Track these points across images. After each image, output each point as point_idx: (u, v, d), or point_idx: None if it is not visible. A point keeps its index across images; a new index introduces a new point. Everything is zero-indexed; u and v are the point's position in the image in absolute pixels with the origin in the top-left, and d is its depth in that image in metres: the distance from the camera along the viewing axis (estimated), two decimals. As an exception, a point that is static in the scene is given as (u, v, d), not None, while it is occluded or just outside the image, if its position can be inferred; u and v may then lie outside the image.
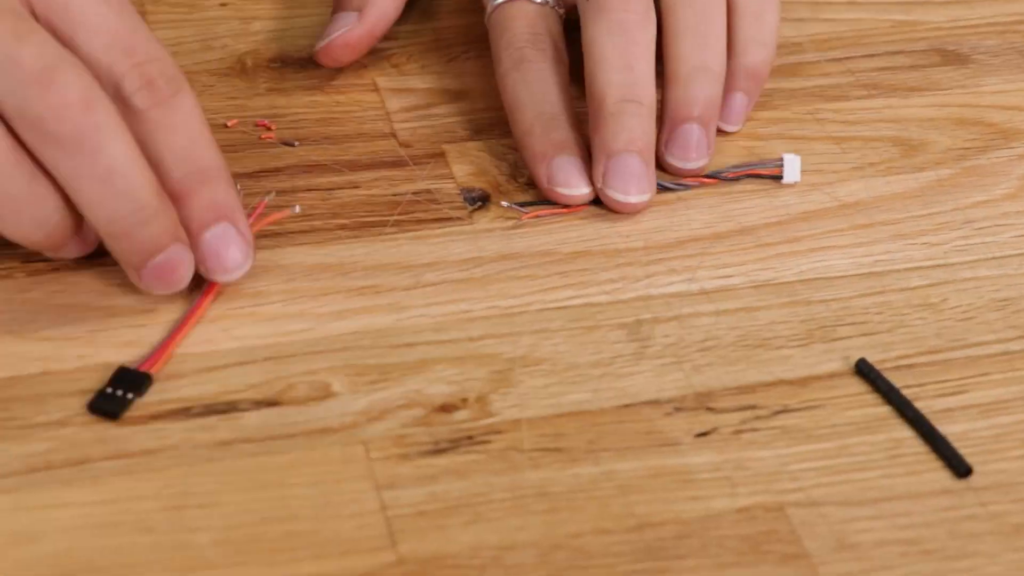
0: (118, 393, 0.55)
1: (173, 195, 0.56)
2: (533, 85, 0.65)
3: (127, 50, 0.56)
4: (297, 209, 0.60)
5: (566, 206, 0.63)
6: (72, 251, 0.58)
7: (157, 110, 0.56)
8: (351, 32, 0.68)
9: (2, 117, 0.54)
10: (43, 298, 0.58)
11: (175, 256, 0.56)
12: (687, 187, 0.64)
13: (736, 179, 0.64)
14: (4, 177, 0.54)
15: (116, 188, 0.55)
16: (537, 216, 0.63)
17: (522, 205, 0.63)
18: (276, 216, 0.60)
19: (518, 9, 0.67)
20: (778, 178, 0.65)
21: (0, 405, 0.54)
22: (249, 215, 0.59)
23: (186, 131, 0.56)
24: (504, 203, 0.63)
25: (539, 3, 0.67)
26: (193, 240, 0.57)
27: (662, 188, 0.64)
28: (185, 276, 0.57)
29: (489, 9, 0.67)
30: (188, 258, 0.57)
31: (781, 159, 0.64)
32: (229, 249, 0.57)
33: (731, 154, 0.66)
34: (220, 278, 0.57)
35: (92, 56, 0.56)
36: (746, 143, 0.67)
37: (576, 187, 0.63)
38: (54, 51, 0.54)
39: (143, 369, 0.55)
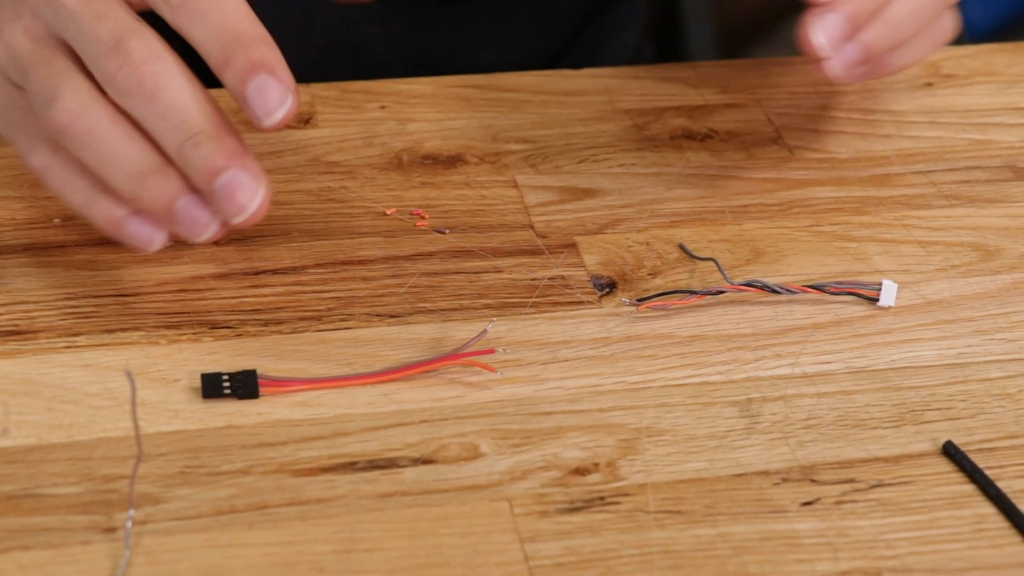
0: (224, 381, 0.57)
1: (218, 67, 0.56)
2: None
3: None
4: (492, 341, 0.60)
5: (684, 292, 0.62)
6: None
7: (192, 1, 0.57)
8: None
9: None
10: (226, 360, 0.59)
11: (235, 178, 0.55)
12: (792, 293, 0.63)
13: (837, 294, 0.63)
14: (105, 132, 0.56)
15: (174, 120, 0.55)
16: (649, 307, 0.62)
17: (639, 300, 0.62)
18: (477, 360, 0.59)
19: None
20: (875, 300, 0.63)
21: (191, 454, 0.55)
22: (460, 354, 0.59)
23: (218, 10, 0.57)
24: (623, 299, 0.63)
25: None
26: (241, 97, 0.56)
27: (769, 290, 0.63)
28: (246, 201, 0.55)
29: None
30: (251, 183, 0.55)
31: (880, 283, 0.63)
32: (270, 93, 0.56)
33: (829, 253, 0.66)
34: (266, 121, 0.56)
35: None
36: (841, 244, 0.67)
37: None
38: (123, 24, 0.56)
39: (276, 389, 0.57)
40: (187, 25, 0.57)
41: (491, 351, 0.59)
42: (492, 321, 0.61)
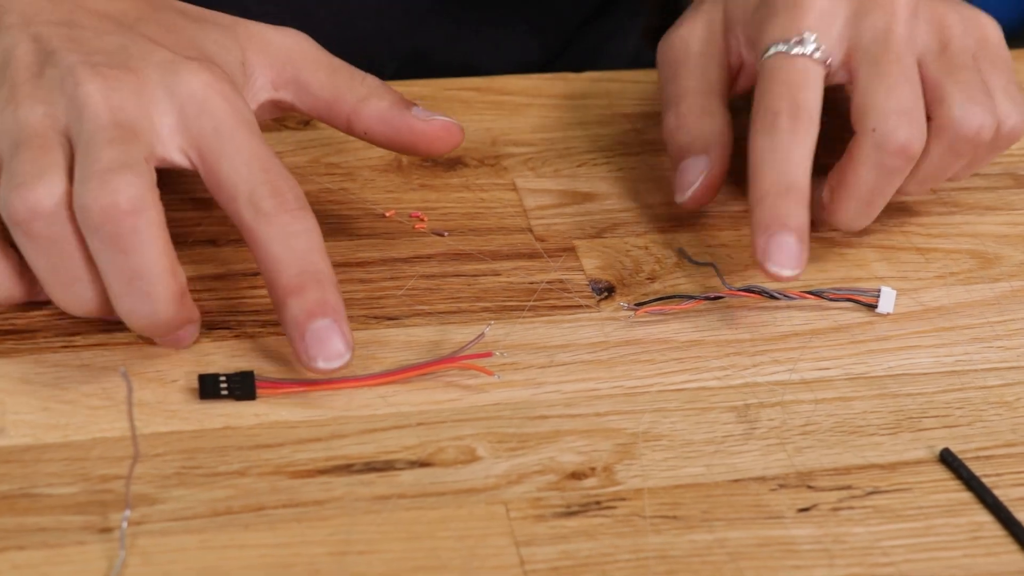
0: (222, 382, 0.56)
1: (287, 290, 0.55)
2: (778, 152, 0.62)
3: (264, 168, 0.56)
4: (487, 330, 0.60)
5: (691, 298, 0.62)
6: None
7: (284, 216, 0.56)
8: (712, 175, 0.65)
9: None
10: (224, 362, 0.59)
11: (184, 337, 0.58)
12: (791, 299, 0.63)
13: (835, 300, 0.63)
14: (59, 257, 0.54)
15: (137, 290, 0.54)
16: (647, 312, 0.62)
17: (638, 305, 0.62)
18: (475, 364, 0.59)
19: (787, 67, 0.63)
20: (873, 306, 0.63)
21: (187, 455, 0.55)
22: (458, 357, 0.58)
23: (307, 239, 0.56)
24: (622, 304, 0.62)
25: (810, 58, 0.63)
26: (300, 329, 0.55)
27: (767, 295, 0.63)
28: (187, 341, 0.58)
29: (760, 61, 0.64)
30: (188, 335, 0.58)
31: (879, 290, 0.63)
32: (333, 340, 0.56)
33: (827, 259, 0.66)
34: (321, 365, 0.56)
35: (234, 167, 0.56)
36: (840, 250, 0.67)
37: (785, 268, 0.60)
38: (130, 159, 0.54)
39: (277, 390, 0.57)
40: (269, 236, 0.55)
41: (488, 354, 0.59)
42: (490, 324, 0.61)
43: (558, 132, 0.73)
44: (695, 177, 0.65)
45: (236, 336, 0.60)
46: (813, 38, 0.63)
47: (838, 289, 0.63)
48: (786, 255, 0.60)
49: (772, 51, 0.63)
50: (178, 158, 0.57)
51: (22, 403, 0.56)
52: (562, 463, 0.56)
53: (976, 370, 0.61)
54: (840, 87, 0.66)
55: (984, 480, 0.56)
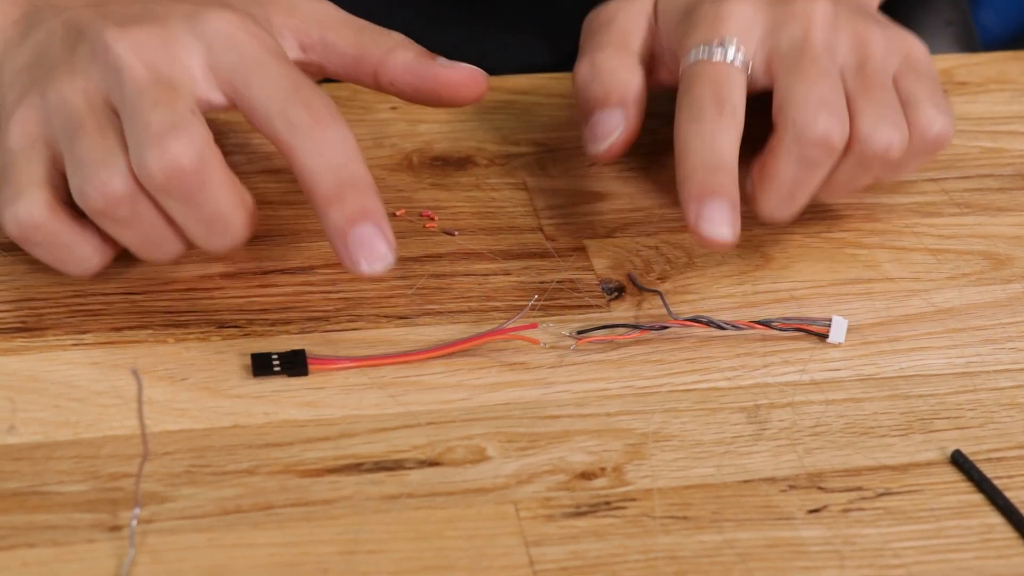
0: (274, 359, 0.58)
1: (327, 199, 0.56)
2: (704, 136, 0.62)
3: (295, 86, 0.57)
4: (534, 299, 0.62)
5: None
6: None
7: (317, 128, 0.56)
8: (628, 130, 0.65)
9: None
10: (235, 359, 0.59)
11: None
12: (739, 328, 0.61)
13: (784, 330, 0.61)
14: (143, 228, 0.57)
15: (217, 230, 0.57)
16: (589, 341, 0.60)
17: (580, 333, 0.60)
18: (522, 334, 0.60)
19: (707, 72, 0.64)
20: (824, 336, 0.61)
21: (196, 453, 0.55)
22: (505, 329, 0.59)
23: (343, 149, 0.56)
24: (565, 332, 0.60)
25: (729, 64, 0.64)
26: (342, 236, 0.56)
27: (714, 325, 0.61)
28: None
29: (682, 67, 0.64)
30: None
31: (830, 319, 0.61)
32: (375, 244, 0.56)
33: (839, 260, 0.66)
34: (365, 269, 0.56)
35: (264, 91, 0.57)
36: (851, 251, 0.66)
37: (721, 228, 0.60)
38: (178, 116, 0.55)
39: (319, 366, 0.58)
40: (304, 149, 0.56)
41: (534, 326, 0.59)
42: (535, 297, 0.61)
43: (569, 131, 0.72)
44: (612, 129, 0.65)
45: (246, 335, 0.60)
46: (734, 41, 0.63)
47: (788, 319, 0.62)
48: (720, 217, 0.59)
49: (694, 56, 0.64)
50: (215, 97, 0.58)
51: (32, 401, 0.56)
52: (572, 463, 0.56)
53: (988, 371, 0.61)
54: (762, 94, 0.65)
55: (996, 482, 0.56)
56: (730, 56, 0.63)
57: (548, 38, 0.88)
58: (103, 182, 0.55)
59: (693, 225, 0.60)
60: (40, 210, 0.56)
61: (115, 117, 0.57)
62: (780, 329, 0.61)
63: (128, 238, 0.58)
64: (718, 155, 0.61)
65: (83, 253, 0.58)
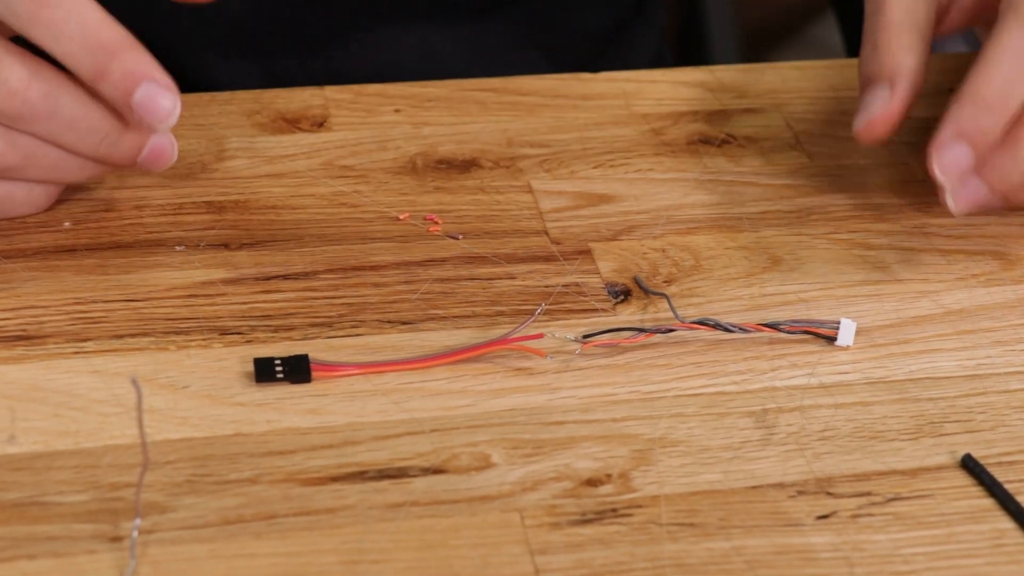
0: (277, 365, 0.57)
1: (91, 78, 0.57)
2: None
3: None
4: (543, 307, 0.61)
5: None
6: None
7: (45, 11, 0.56)
8: (891, 107, 0.63)
9: None
10: (236, 366, 0.58)
11: (156, 146, 0.60)
12: (746, 331, 0.60)
13: (792, 333, 0.60)
14: (32, 151, 0.58)
15: (82, 130, 0.58)
16: (594, 345, 0.60)
17: (585, 337, 0.60)
18: (527, 345, 0.59)
19: None
20: (832, 339, 0.60)
21: (198, 462, 0.54)
22: (510, 338, 0.59)
23: (78, 20, 0.56)
24: (568, 336, 0.60)
25: None
26: (126, 105, 0.57)
27: (723, 328, 0.60)
28: (171, 152, 0.60)
29: None
30: (166, 142, 0.60)
31: (839, 322, 0.61)
32: (157, 101, 0.57)
33: (847, 261, 0.65)
34: (159, 127, 0.58)
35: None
36: (860, 252, 0.66)
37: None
38: None
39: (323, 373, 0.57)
40: (45, 38, 0.56)
41: (540, 335, 0.59)
42: (542, 305, 0.60)
43: (574, 133, 0.72)
44: (873, 106, 0.63)
45: (248, 342, 0.59)
46: None
47: (796, 321, 0.61)
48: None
49: None
50: None
51: (32, 410, 0.56)
52: (578, 470, 0.55)
53: (998, 374, 0.60)
54: None
55: (1007, 486, 0.55)
56: None
57: (556, 54, 0.88)
58: None
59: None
60: None
61: None
62: (788, 332, 0.61)
63: (34, 174, 0.59)
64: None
65: (22, 193, 0.61)
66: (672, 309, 0.61)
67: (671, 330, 0.60)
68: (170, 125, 0.58)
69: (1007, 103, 0.58)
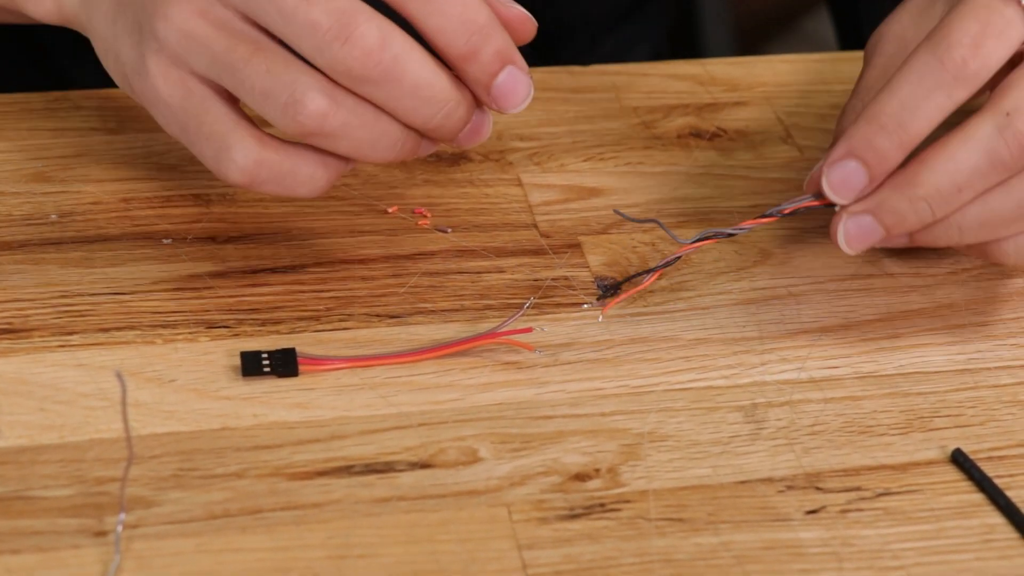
0: (264, 359, 0.57)
1: (460, 58, 0.57)
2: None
3: None
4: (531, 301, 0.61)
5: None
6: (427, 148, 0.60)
7: None
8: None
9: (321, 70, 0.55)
10: (223, 360, 0.58)
11: (477, 122, 0.59)
12: (744, 229, 0.61)
13: (793, 213, 0.59)
14: (358, 123, 0.56)
15: (424, 97, 0.56)
16: (615, 303, 0.61)
17: (602, 300, 0.61)
18: (515, 339, 0.59)
19: None
20: (832, 206, 0.58)
21: (184, 457, 0.54)
22: (498, 332, 0.59)
23: (460, 1, 0.56)
24: (584, 304, 0.61)
25: None
26: (486, 89, 0.57)
27: (725, 235, 0.60)
28: (488, 128, 0.60)
29: None
30: (486, 120, 0.59)
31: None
32: (517, 85, 0.58)
33: (837, 254, 0.64)
34: (515, 109, 0.58)
35: None
36: (850, 245, 0.66)
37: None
38: (340, 4, 0.55)
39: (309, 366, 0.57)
40: (422, 12, 0.56)
41: (529, 330, 0.59)
42: (531, 299, 0.60)
43: (564, 126, 0.72)
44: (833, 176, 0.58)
45: (235, 335, 0.59)
46: None
47: (792, 201, 0.59)
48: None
49: None
50: None
51: (18, 404, 0.55)
52: (566, 464, 0.55)
53: (989, 368, 0.60)
54: None
55: (997, 481, 0.55)
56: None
57: (544, 38, 0.87)
58: (301, 104, 0.55)
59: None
60: (255, 149, 0.57)
61: (252, 27, 0.56)
62: (787, 214, 0.59)
63: (344, 146, 0.57)
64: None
65: (309, 171, 0.58)
66: (666, 230, 0.61)
67: (677, 257, 0.61)
68: (522, 109, 0.58)
69: (903, 125, 0.56)
